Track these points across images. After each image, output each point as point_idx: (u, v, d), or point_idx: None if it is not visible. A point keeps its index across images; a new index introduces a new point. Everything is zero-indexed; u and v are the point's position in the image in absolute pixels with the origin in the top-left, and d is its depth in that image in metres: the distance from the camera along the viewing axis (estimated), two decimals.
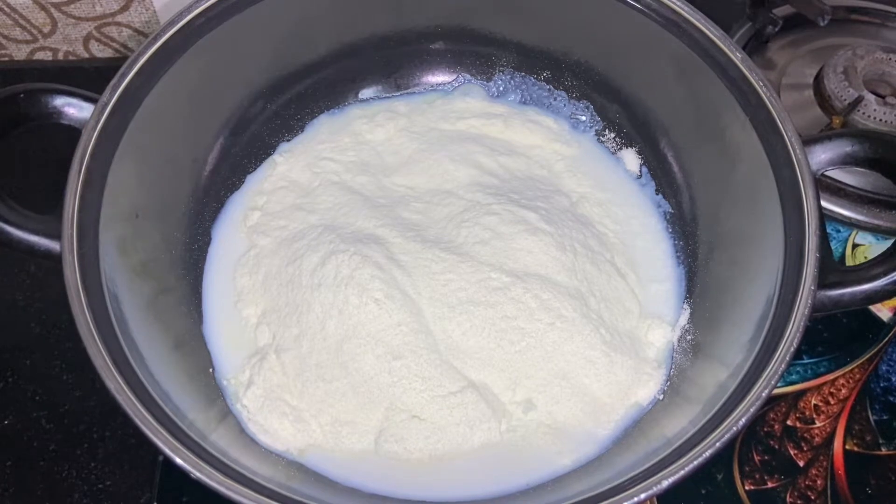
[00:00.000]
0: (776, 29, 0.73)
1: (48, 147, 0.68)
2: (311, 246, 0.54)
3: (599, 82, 0.62)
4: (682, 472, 0.40)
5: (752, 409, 0.41)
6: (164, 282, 0.53)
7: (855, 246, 0.66)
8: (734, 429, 0.41)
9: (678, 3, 0.53)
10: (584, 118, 0.64)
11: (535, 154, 0.63)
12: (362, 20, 0.61)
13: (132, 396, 0.41)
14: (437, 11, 0.62)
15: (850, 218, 0.65)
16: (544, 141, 0.63)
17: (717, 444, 0.41)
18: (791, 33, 0.76)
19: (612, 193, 0.61)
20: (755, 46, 0.75)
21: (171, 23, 0.51)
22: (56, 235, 0.45)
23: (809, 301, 0.44)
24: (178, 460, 0.40)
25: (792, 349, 0.43)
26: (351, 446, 0.50)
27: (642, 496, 0.40)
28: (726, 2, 0.73)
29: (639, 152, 0.62)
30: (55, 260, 0.45)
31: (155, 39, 0.51)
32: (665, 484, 0.40)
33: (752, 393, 0.42)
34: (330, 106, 0.65)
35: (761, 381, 0.42)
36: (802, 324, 0.43)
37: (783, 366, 0.42)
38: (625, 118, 0.62)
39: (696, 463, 0.40)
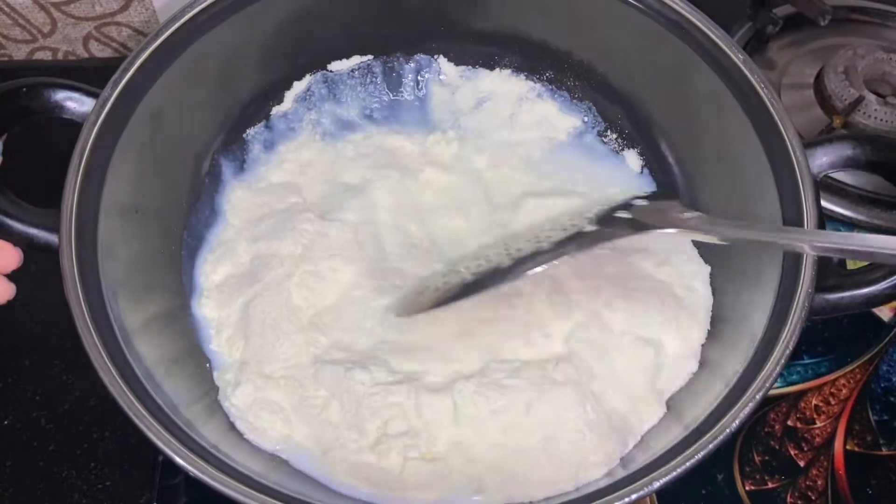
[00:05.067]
0: (776, 29, 0.73)
1: (49, 141, 0.67)
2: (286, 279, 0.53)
3: (602, 83, 0.62)
4: (673, 475, 0.40)
5: (744, 412, 0.41)
6: (163, 278, 0.53)
7: None
8: (727, 431, 0.41)
9: (680, 4, 0.53)
10: (586, 119, 0.64)
11: None
12: (362, 20, 0.61)
13: (125, 388, 0.41)
14: (438, 11, 0.61)
15: (850, 218, 0.65)
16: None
17: (710, 447, 0.41)
18: (791, 33, 0.76)
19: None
20: (755, 46, 0.75)
21: (174, 19, 0.51)
22: (56, 229, 0.45)
23: (806, 304, 0.44)
24: (178, 459, 0.40)
25: (787, 352, 0.43)
26: (343, 451, 0.48)
27: (633, 497, 0.40)
28: (726, 2, 0.73)
29: (640, 154, 0.62)
30: (54, 252, 0.44)
31: (157, 35, 0.50)
32: (656, 485, 0.40)
33: (745, 396, 0.42)
34: (330, 106, 0.64)
35: (755, 384, 0.42)
36: (798, 327, 0.43)
37: (778, 369, 0.42)
38: (626, 119, 0.62)
39: (687, 465, 0.40)
